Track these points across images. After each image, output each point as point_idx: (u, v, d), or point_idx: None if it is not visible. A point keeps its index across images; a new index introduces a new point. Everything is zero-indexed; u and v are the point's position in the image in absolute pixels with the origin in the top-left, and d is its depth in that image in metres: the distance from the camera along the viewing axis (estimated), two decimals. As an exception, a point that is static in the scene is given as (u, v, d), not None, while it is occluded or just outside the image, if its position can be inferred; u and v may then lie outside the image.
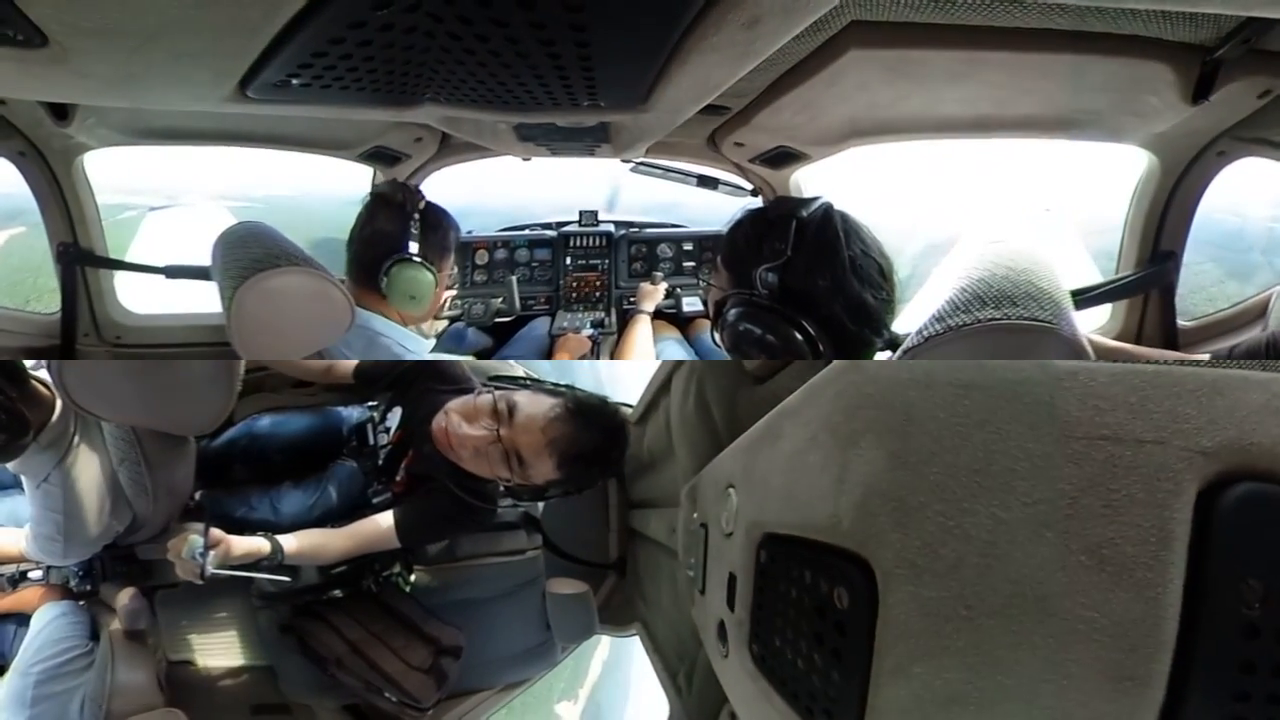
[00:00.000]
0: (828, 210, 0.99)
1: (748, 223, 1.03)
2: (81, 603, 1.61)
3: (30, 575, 1.61)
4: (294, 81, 0.82)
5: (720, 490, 0.68)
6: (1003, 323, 0.75)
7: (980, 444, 0.36)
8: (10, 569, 1.59)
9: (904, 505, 0.35)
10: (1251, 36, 1.10)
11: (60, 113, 1.58)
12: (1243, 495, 0.36)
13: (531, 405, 1.38)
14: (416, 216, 1.47)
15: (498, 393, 1.41)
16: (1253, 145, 1.45)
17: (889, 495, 0.36)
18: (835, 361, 0.44)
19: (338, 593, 1.77)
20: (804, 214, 0.96)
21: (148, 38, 0.69)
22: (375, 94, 0.91)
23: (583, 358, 2.21)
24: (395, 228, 1.46)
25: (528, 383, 1.53)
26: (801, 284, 0.94)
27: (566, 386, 1.50)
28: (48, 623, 1.50)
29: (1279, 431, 0.38)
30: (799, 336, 0.92)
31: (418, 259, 1.45)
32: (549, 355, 2.30)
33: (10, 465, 1.33)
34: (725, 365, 1.09)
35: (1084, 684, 0.36)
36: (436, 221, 1.52)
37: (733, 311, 0.97)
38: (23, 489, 1.40)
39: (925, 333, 0.80)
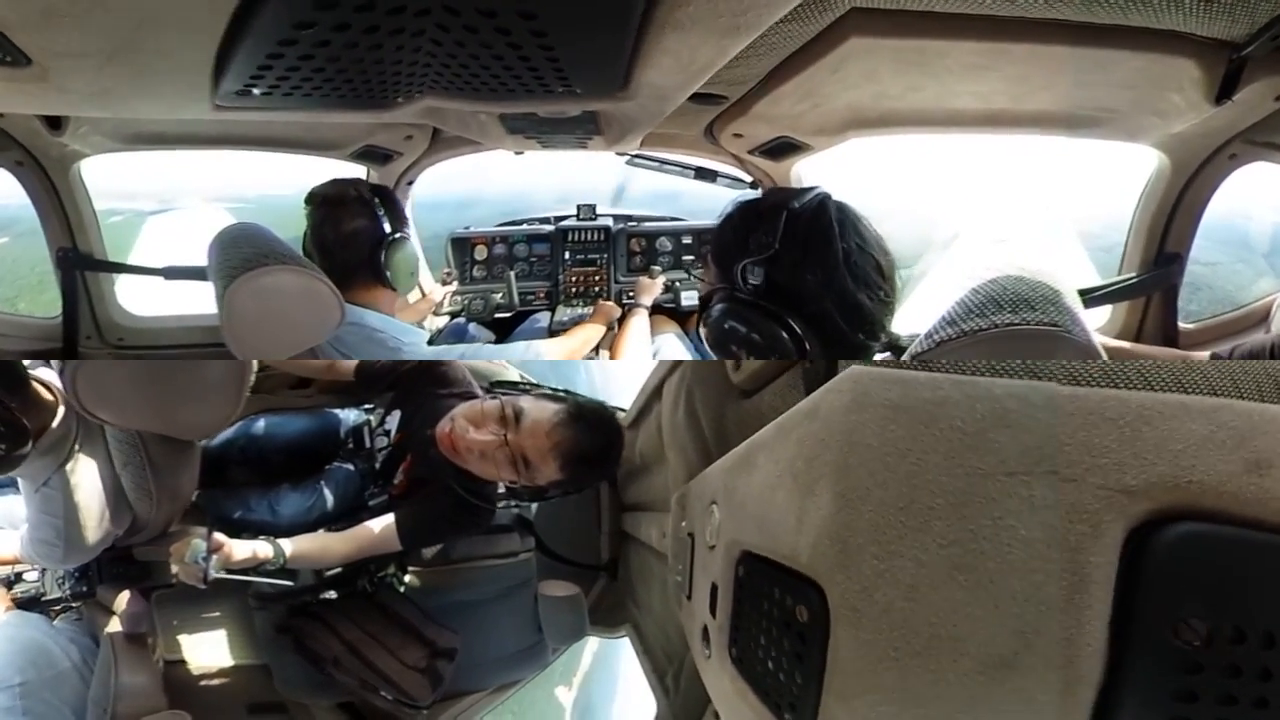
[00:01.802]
0: (823, 201, 0.92)
1: (737, 215, 0.97)
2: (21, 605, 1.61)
3: (26, 577, 1.62)
4: (254, 90, 0.85)
5: (705, 505, 0.70)
6: (1018, 328, 0.73)
7: (904, 477, 0.37)
8: (5, 571, 1.60)
9: (847, 547, 0.37)
10: None
11: (54, 123, 1.62)
12: (1179, 536, 0.35)
13: (537, 410, 1.40)
14: (377, 201, 1.51)
15: (504, 399, 1.43)
16: (1264, 149, 1.43)
17: (836, 537, 0.37)
18: (805, 401, 0.45)
19: (333, 594, 1.78)
20: (796, 205, 0.90)
21: (108, 58, 0.75)
22: (340, 98, 0.92)
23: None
24: (367, 220, 1.50)
25: (528, 388, 1.55)
26: (789, 280, 0.88)
27: (565, 391, 1.53)
28: (7, 637, 1.48)
29: (1225, 467, 0.36)
30: (785, 335, 0.87)
31: (400, 235, 1.51)
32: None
33: None
34: (714, 378, 1.07)
35: (1004, 714, 0.36)
36: (387, 194, 1.57)
37: (716, 308, 0.92)
38: (17, 489, 1.41)
39: (936, 336, 0.78)
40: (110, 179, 2.01)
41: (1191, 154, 1.52)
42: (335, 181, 1.61)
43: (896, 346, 0.93)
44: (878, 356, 0.95)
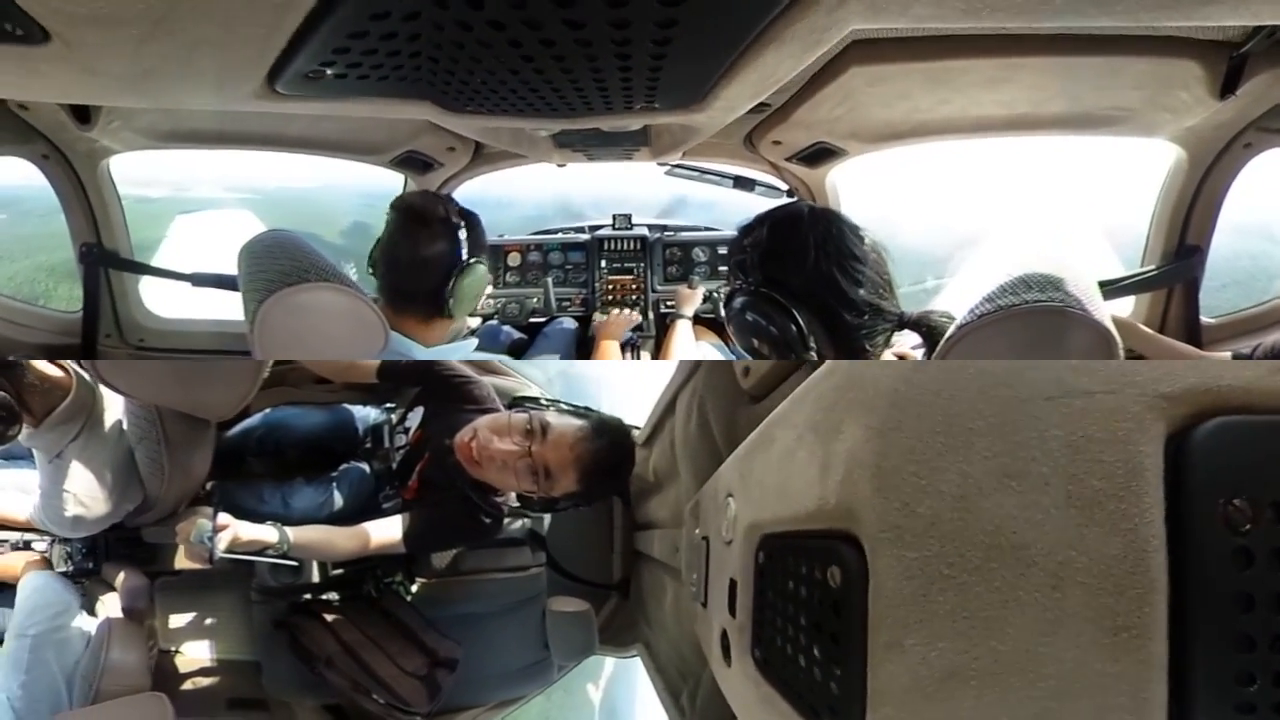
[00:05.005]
0: (797, 205, 1.08)
1: (740, 230, 1.10)
2: (62, 573, 1.63)
3: (34, 545, 1.64)
4: (329, 71, 0.73)
5: (720, 501, 0.71)
6: (1043, 304, 0.83)
7: (939, 410, 0.37)
8: (15, 536, 1.62)
9: (881, 470, 0.36)
10: (1277, 30, 1.15)
11: (82, 116, 1.55)
12: (1216, 427, 0.36)
13: (562, 424, 1.45)
14: (462, 224, 1.38)
15: (531, 412, 1.47)
16: (1278, 136, 1.49)
17: (867, 464, 0.37)
18: (818, 369, 0.48)
19: (337, 595, 1.76)
20: (777, 212, 1.05)
21: (154, 24, 0.61)
22: (417, 85, 0.83)
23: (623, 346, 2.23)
24: (446, 245, 1.35)
25: (549, 403, 1.58)
26: (779, 272, 1.00)
27: (585, 408, 1.56)
28: (37, 588, 1.52)
29: (1249, 374, 0.38)
30: (791, 324, 0.98)
31: (475, 260, 1.39)
32: (579, 350, 2.32)
33: (23, 439, 1.33)
34: (724, 385, 1.14)
35: (1081, 640, 0.35)
36: (473, 221, 1.44)
37: (736, 302, 1.03)
38: (32, 460, 1.43)
39: (977, 310, 0.88)
40: (120, 165, 1.95)
41: (1206, 146, 1.57)
42: (426, 194, 1.54)
43: (925, 324, 1.01)
44: (909, 339, 1.04)
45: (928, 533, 0.35)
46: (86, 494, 1.38)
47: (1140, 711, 0.35)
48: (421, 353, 1.40)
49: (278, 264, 1.10)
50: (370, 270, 1.40)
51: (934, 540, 0.35)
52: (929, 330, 1.00)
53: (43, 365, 1.29)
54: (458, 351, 1.49)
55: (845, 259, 0.98)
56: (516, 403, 1.56)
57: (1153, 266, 1.74)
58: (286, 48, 0.67)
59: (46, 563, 1.62)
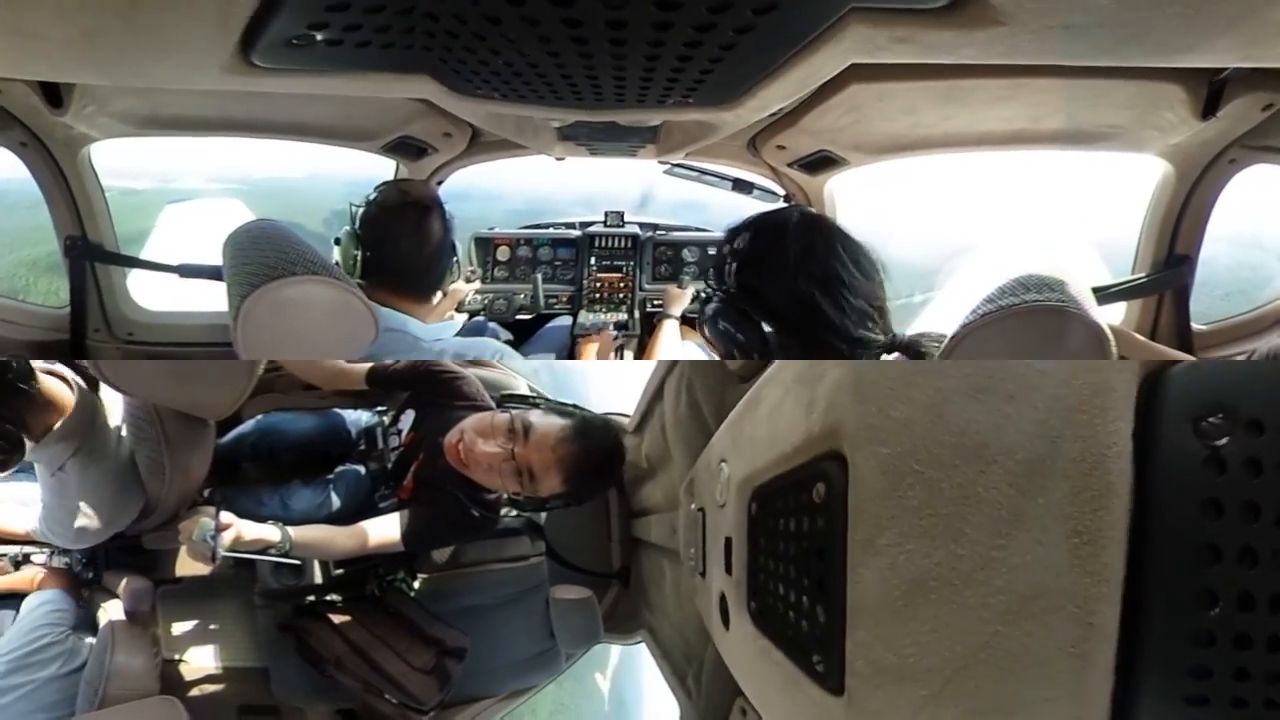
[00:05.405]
0: (787, 211, 1.02)
1: (729, 231, 1.05)
2: (73, 590, 1.61)
3: (34, 559, 1.61)
4: (319, 36, 0.61)
5: (714, 468, 0.73)
6: (1040, 304, 0.86)
7: (914, 363, 0.41)
8: (14, 550, 1.60)
9: (860, 384, 0.39)
10: None
11: (54, 99, 1.48)
12: (1192, 362, 0.38)
13: (545, 425, 1.44)
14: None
15: (514, 412, 1.46)
16: (1260, 153, 1.55)
17: (848, 387, 0.39)
18: None
19: (340, 596, 1.75)
20: (766, 216, 1.00)
21: None
22: (419, 59, 0.75)
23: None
24: (445, 228, 1.44)
25: (538, 401, 1.58)
26: (754, 281, 0.95)
27: (574, 406, 1.56)
28: (29, 611, 1.50)
29: None
30: (759, 336, 0.93)
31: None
32: (570, 355, 2.30)
33: (25, 454, 1.31)
34: (712, 367, 1.16)
35: (1041, 542, 0.36)
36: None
37: (708, 308, 0.99)
38: (32, 472, 1.41)
39: (979, 310, 0.91)
40: (105, 156, 1.88)
41: (1193, 161, 1.63)
42: (419, 183, 1.57)
43: (916, 349, 0.97)
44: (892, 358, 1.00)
45: (902, 433, 0.37)
46: (90, 505, 1.36)
47: (1091, 621, 0.36)
48: (420, 329, 1.44)
49: (262, 256, 1.06)
50: (353, 259, 1.40)
51: (907, 439, 0.37)
52: (920, 356, 0.96)
53: (47, 381, 1.27)
54: (450, 329, 1.53)
55: (830, 281, 0.91)
56: (504, 401, 1.57)
57: (1143, 274, 1.79)
58: (262, 6, 0.56)
59: (59, 576, 1.60)
